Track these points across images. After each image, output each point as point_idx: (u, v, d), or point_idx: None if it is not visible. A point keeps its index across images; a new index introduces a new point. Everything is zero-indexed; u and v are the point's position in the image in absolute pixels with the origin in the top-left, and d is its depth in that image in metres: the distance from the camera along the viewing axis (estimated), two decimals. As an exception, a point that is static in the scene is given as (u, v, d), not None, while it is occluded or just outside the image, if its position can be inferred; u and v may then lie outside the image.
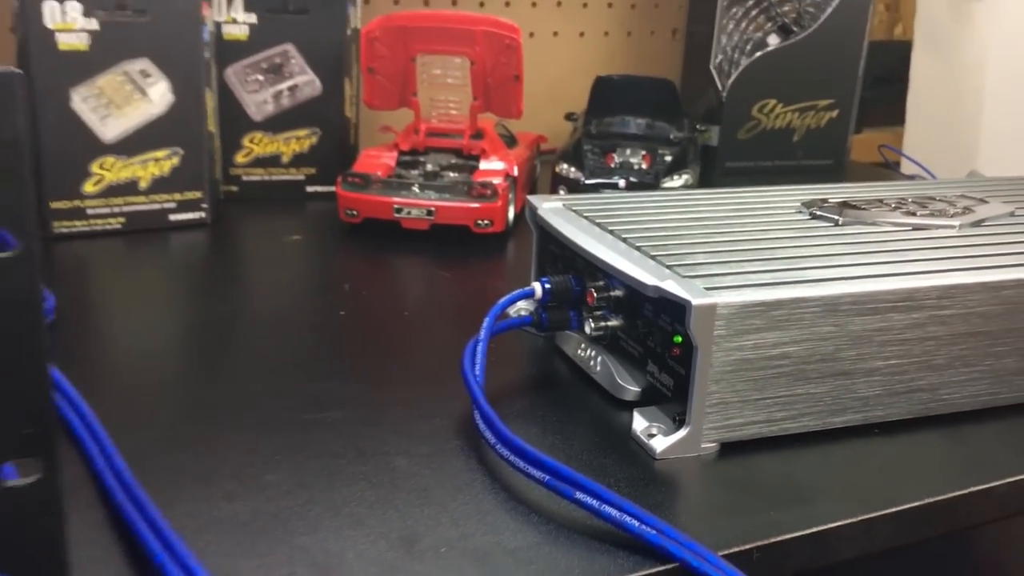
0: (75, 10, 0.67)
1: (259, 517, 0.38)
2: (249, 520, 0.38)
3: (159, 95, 0.71)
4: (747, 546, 0.37)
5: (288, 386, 0.50)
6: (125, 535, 0.36)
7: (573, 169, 0.83)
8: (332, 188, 0.79)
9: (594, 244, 0.49)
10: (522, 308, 0.54)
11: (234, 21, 0.79)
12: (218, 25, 0.79)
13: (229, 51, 0.80)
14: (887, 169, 1.12)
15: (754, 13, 1.02)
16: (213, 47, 0.76)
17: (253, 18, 0.80)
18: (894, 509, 0.40)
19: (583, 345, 0.51)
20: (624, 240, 0.50)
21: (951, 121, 1.09)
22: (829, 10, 0.99)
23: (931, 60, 1.11)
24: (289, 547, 0.36)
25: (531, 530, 0.38)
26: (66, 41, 0.67)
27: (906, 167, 1.11)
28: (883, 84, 1.29)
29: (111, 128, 0.70)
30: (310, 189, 0.85)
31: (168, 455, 0.42)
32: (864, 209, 0.55)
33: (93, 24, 0.67)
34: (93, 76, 0.69)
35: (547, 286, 0.50)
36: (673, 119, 0.89)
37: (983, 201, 0.58)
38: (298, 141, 0.84)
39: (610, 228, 0.52)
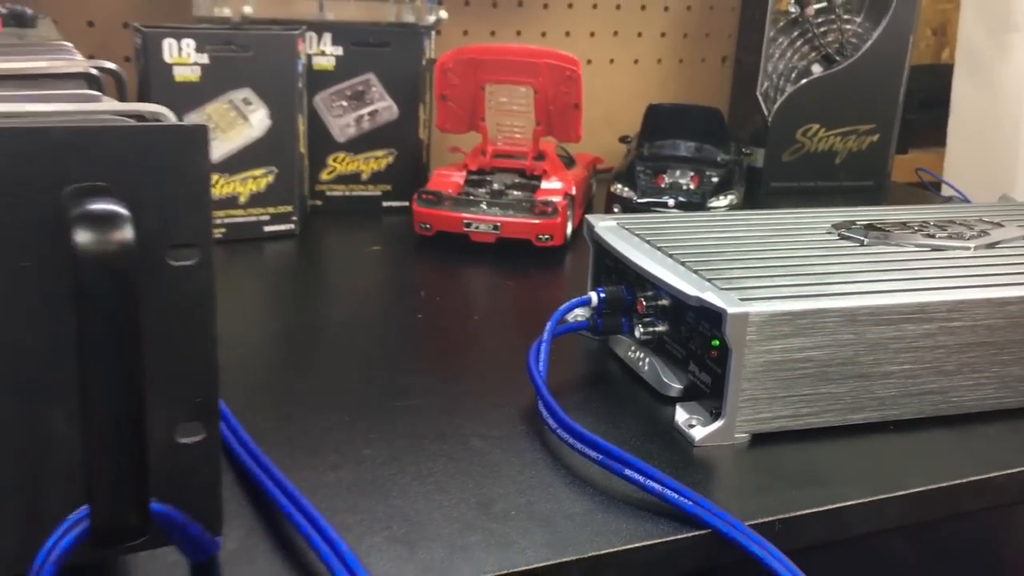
0: (189, 46, 0.76)
1: (359, 483, 0.45)
2: (351, 485, 0.45)
3: (258, 120, 0.80)
4: (770, 518, 0.43)
5: (376, 377, 0.57)
6: (252, 493, 0.44)
7: (626, 189, 0.90)
8: (406, 203, 0.87)
9: (644, 259, 0.56)
10: (579, 314, 0.60)
11: (323, 53, 0.88)
12: (309, 57, 0.87)
13: (318, 80, 0.88)
14: (925, 190, 1.16)
15: (799, 43, 1.08)
16: (304, 77, 0.85)
17: (340, 50, 0.88)
18: (901, 492, 0.46)
19: (633, 347, 0.58)
20: (671, 256, 0.57)
21: (989, 146, 1.13)
22: (871, 41, 1.05)
23: (971, 86, 1.16)
24: (386, 507, 0.43)
25: (587, 500, 0.45)
26: (181, 74, 0.76)
27: (943, 188, 1.16)
28: (929, 107, 1.33)
29: (217, 150, 0.79)
30: (386, 204, 0.93)
31: (280, 433, 0.50)
32: (888, 231, 0.62)
33: (204, 58, 0.77)
34: (203, 104, 0.78)
35: (602, 295, 0.57)
36: (720, 143, 0.96)
37: (999, 225, 0.64)
38: (376, 160, 0.92)
39: (658, 245, 0.59)
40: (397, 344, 0.64)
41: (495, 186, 0.85)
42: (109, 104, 0.37)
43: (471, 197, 0.83)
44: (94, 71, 0.45)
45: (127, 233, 0.30)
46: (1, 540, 0.33)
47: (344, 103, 0.90)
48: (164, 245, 0.33)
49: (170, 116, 0.35)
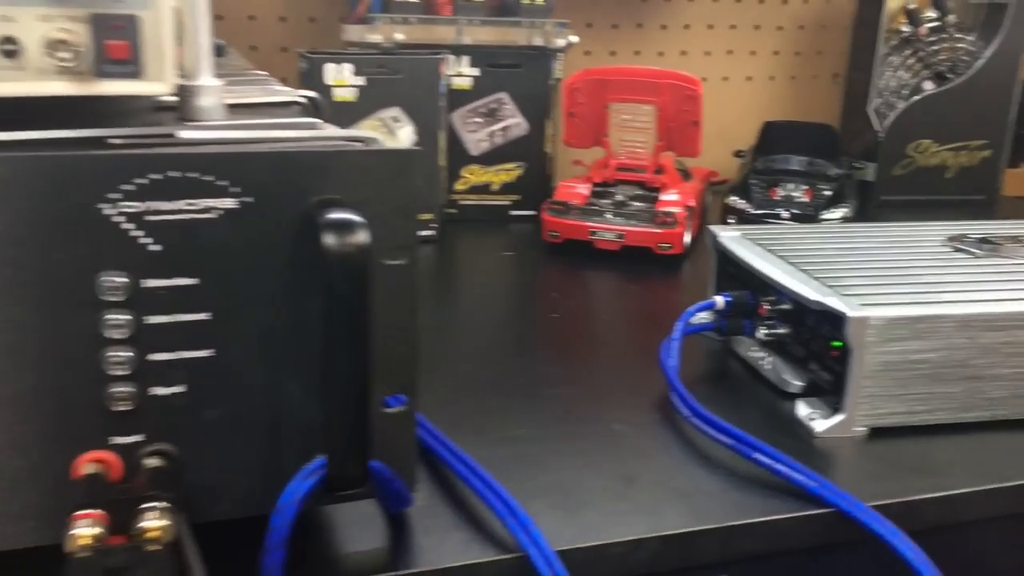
0: (348, 70, 0.84)
1: (517, 458, 0.52)
2: (510, 459, 0.52)
3: (405, 136, 0.88)
4: (888, 501, 0.48)
5: (522, 369, 0.64)
6: (428, 462, 0.51)
7: (742, 201, 0.95)
8: (533, 212, 0.94)
9: (767, 266, 0.61)
10: (702, 316, 0.66)
11: (460, 74, 0.96)
12: (449, 78, 0.95)
13: (456, 98, 0.96)
14: (1038, 205, 1.18)
15: (911, 61, 1.11)
16: (446, 96, 0.93)
17: (476, 72, 0.96)
18: (1008, 484, 0.51)
19: (753, 347, 0.63)
20: (792, 264, 0.62)
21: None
22: (983, 59, 1.08)
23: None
24: (543, 478, 0.50)
25: (719, 479, 0.50)
26: (340, 94, 0.85)
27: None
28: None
29: (368, 163, 0.87)
30: (513, 213, 1.00)
31: (445, 415, 0.56)
32: (1000, 244, 0.65)
33: (360, 80, 0.85)
34: (357, 121, 0.86)
35: (728, 299, 0.63)
36: (832, 158, 1.00)
37: (1110, 240, 0.67)
38: (507, 172, 0.99)
39: (780, 254, 0.64)
40: (536, 339, 0.70)
41: (618, 197, 0.91)
42: (332, 130, 0.44)
43: (596, 207, 0.89)
44: (301, 99, 0.53)
45: (365, 237, 0.37)
46: (249, 486, 0.40)
47: (479, 119, 0.97)
48: (382, 248, 0.40)
49: (381, 141, 0.43)
